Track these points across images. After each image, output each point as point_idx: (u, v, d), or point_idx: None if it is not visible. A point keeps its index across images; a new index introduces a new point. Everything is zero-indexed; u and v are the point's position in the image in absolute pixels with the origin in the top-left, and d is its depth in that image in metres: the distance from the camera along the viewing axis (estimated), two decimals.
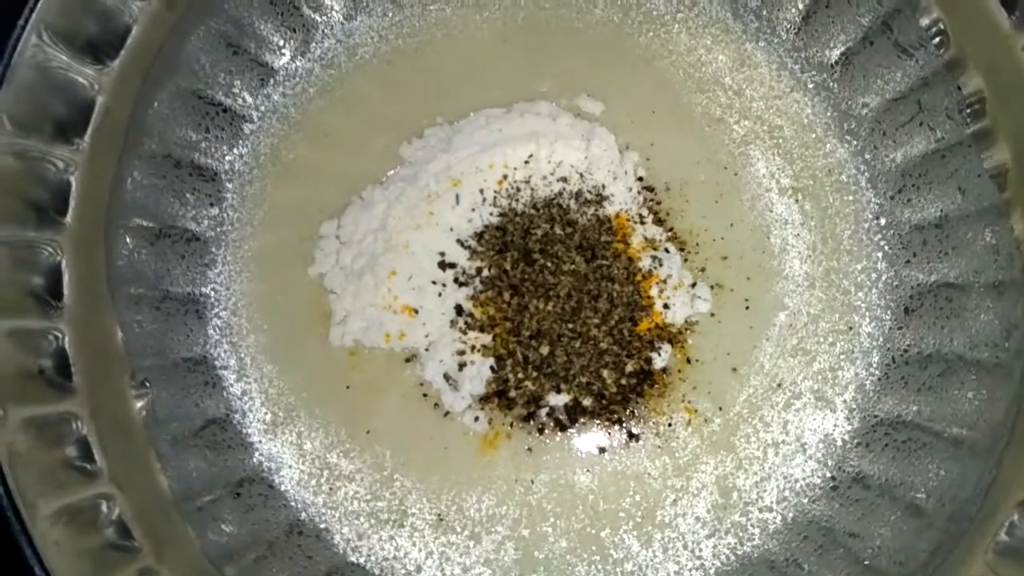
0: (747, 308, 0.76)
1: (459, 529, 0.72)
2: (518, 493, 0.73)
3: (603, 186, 0.77)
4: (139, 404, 0.70)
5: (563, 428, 0.73)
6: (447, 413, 0.74)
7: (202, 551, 0.68)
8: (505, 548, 0.72)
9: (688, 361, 0.75)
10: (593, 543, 0.72)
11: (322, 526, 0.73)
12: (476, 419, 0.73)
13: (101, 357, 0.68)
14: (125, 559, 0.63)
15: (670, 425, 0.74)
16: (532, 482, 0.73)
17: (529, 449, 0.73)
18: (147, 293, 0.73)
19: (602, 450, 0.73)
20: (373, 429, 0.74)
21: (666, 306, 0.74)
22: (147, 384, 0.71)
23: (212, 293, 0.77)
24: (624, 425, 0.73)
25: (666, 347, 0.74)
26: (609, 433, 0.74)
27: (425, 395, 0.74)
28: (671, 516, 0.72)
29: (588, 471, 0.73)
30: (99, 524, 0.63)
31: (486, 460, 0.73)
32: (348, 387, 0.75)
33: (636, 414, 0.74)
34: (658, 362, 0.74)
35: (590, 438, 0.74)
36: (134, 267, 0.72)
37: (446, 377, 0.74)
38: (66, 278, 0.66)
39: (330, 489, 0.73)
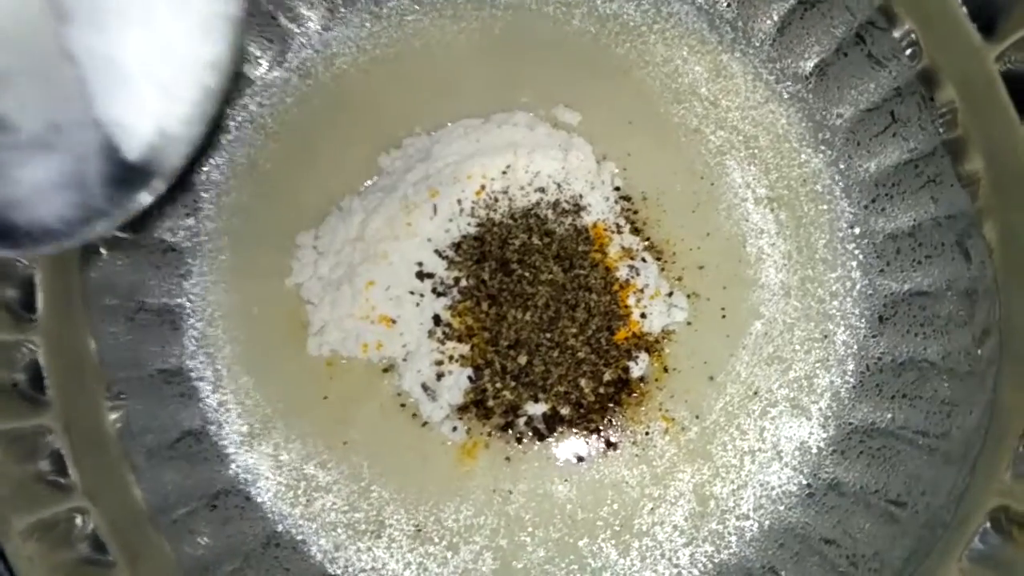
0: (723, 317, 0.76)
1: (437, 540, 0.72)
2: (496, 503, 0.73)
3: (580, 196, 0.77)
4: (114, 416, 0.69)
5: (541, 437, 0.73)
6: (425, 423, 0.74)
7: (178, 564, 0.68)
8: (483, 558, 0.72)
9: (665, 370, 0.75)
10: (571, 552, 0.72)
11: (299, 538, 0.73)
12: (454, 429, 0.73)
13: (75, 370, 0.68)
14: (100, 573, 0.63)
15: (647, 434, 0.74)
16: (510, 492, 0.73)
17: (507, 458, 0.73)
18: (122, 304, 0.72)
19: (580, 459, 0.73)
20: (350, 440, 0.74)
21: (643, 315, 0.75)
22: (122, 396, 0.70)
23: (188, 304, 0.76)
24: (602, 434, 0.74)
25: (643, 356, 0.74)
26: (587, 442, 0.74)
27: (403, 405, 0.74)
28: (649, 524, 0.73)
29: (566, 480, 0.73)
30: (73, 538, 0.63)
31: (464, 470, 0.73)
32: (325, 398, 0.75)
33: (614, 423, 0.74)
34: (635, 371, 0.74)
35: (568, 447, 0.74)
36: (108, 278, 0.71)
37: (424, 387, 0.74)
38: (39, 290, 0.65)
39: (307, 501, 0.73)
